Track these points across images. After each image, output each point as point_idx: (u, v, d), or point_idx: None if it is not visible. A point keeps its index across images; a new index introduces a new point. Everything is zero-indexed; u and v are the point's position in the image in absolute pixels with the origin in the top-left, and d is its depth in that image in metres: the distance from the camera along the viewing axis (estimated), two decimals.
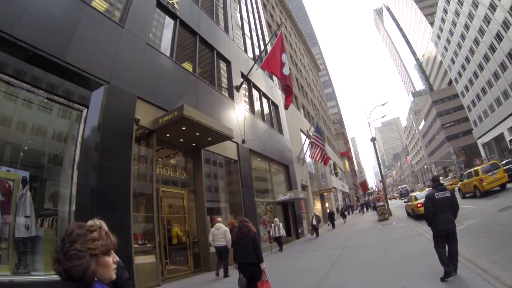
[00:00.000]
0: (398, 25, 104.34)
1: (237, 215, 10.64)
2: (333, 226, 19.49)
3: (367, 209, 37.76)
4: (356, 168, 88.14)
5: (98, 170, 5.81)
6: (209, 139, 8.85)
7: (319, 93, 49.25)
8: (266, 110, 17.55)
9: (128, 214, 6.23)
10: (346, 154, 61.24)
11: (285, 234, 11.99)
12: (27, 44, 5.23)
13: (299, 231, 16.50)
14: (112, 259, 1.08)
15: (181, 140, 8.74)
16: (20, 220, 4.99)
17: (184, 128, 7.74)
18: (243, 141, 12.40)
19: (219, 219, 8.14)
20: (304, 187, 21.36)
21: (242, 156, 12.05)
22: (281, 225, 11.67)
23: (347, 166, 60.60)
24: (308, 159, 24.23)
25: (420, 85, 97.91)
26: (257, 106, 16.09)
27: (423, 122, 74.64)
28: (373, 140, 25.30)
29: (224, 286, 6.71)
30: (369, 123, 26.16)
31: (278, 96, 19.69)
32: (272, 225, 11.69)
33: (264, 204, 14.40)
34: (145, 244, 6.87)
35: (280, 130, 18.44)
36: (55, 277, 4.22)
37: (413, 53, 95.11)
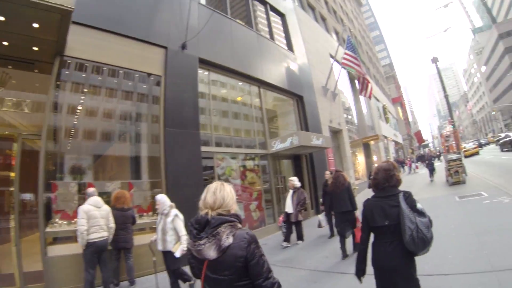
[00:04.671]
0: None
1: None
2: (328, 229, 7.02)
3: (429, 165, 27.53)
4: (410, 118, 74.87)
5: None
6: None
7: (361, 27, 37.72)
8: (260, 17, 11.07)
9: None
10: (398, 100, 51.00)
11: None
12: None
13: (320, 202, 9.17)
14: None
15: None
16: None
17: None
18: (183, 46, 6.71)
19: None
20: (336, 133, 14.88)
21: (174, 69, 6.52)
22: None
23: (400, 114, 50.51)
24: (344, 94, 17.56)
25: (479, 23, 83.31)
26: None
27: (484, 66, 61.43)
28: (435, 60, 19.02)
29: None
30: (427, 38, 20.14)
31: (286, 5, 12.85)
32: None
33: (239, 158, 8.29)
34: None
35: (289, 46, 11.98)
36: None
37: None
